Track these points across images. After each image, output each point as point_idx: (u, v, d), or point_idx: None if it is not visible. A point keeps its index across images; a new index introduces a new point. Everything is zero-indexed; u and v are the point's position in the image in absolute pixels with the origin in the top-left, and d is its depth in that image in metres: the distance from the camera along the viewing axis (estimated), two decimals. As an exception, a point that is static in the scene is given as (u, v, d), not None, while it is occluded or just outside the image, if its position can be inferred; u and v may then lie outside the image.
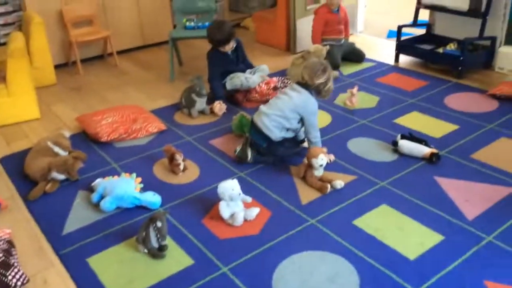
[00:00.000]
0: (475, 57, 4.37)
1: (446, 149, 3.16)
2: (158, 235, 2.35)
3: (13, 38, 3.97)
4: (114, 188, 2.72)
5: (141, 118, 3.63)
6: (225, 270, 2.28)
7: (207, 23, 4.71)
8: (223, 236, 2.49)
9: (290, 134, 3.08)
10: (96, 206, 2.76)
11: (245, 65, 4.13)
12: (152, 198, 2.73)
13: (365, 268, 2.24)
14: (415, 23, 4.81)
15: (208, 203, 2.75)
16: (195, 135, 3.56)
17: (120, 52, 5.33)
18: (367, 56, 4.80)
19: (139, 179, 2.87)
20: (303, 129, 3.09)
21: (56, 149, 3.16)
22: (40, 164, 2.97)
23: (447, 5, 4.44)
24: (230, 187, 2.56)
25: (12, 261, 2.24)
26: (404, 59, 4.75)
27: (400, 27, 4.68)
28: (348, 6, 5.05)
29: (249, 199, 2.66)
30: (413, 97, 3.95)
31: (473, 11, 4.25)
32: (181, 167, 3.05)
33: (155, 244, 2.37)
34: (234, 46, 3.98)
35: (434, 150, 3.05)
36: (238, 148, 3.14)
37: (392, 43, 4.93)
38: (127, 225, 2.61)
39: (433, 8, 4.62)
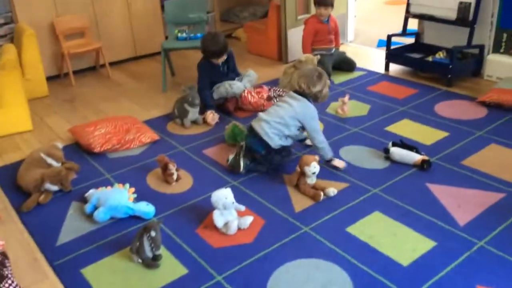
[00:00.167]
0: (464, 65, 4.43)
1: (437, 156, 3.19)
2: (152, 245, 2.35)
3: (5, 50, 3.98)
4: (108, 199, 2.72)
5: (134, 128, 3.64)
6: (220, 278, 2.28)
7: (199, 34, 4.75)
8: (217, 245, 2.50)
9: (288, 142, 3.11)
10: (89, 216, 2.75)
11: (235, 74, 4.16)
12: (146, 208, 2.74)
13: (359, 275, 2.25)
14: (404, 33, 4.87)
15: (202, 212, 2.76)
16: (188, 145, 3.57)
17: (112, 64, 5.35)
18: (358, 65, 4.85)
19: (133, 189, 2.87)
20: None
21: (49, 160, 3.16)
22: (33, 175, 2.97)
23: (435, 15, 4.51)
24: (223, 196, 2.57)
25: (6, 272, 2.23)
26: (394, 68, 4.80)
27: (389, 36, 4.74)
28: (338, 16, 5.11)
29: (242, 207, 2.68)
30: (404, 105, 3.99)
31: (461, 20, 4.31)
32: (175, 176, 3.06)
33: (149, 253, 2.37)
34: (225, 57, 4.01)
35: (425, 157, 3.08)
36: (231, 157, 3.16)
37: (382, 52, 4.99)
38: (121, 235, 2.61)
39: (421, 17, 4.69)
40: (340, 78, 4.65)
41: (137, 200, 2.83)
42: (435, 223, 2.57)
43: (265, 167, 3.10)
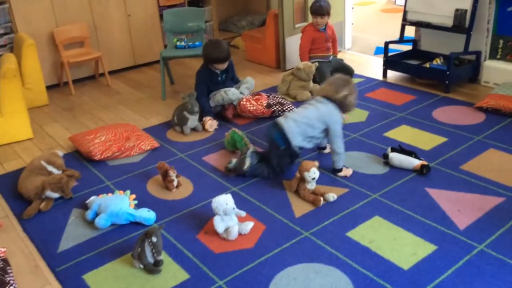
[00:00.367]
0: (461, 72, 4.47)
1: (436, 161, 3.21)
2: (154, 250, 2.36)
3: (5, 59, 4.00)
4: (109, 205, 2.73)
5: (134, 136, 3.66)
6: (221, 283, 2.29)
7: (197, 43, 4.79)
8: (218, 250, 2.51)
9: (309, 145, 3.18)
10: (91, 223, 2.76)
11: (233, 83, 4.18)
12: (147, 214, 2.75)
13: (360, 279, 2.26)
14: (401, 40, 4.92)
15: (203, 218, 2.77)
16: (188, 151, 3.59)
17: (111, 72, 5.39)
18: (356, 72, 4.88)
19: (133, 196, 2.89)
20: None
21: (50, 168, 3.17)
22: (34, 183, 2.98)
23: (432, 22, 4.56)
24: (224, 202, 2.58)
25: (8, 279, 2.24)
26: (392, 75, 4.84)
27: (387, 43, 4.78)
28: (335, 24, 5.15)
29: (243, 213, 2.69)
30: (402, 111, 4.02)
31: (458, 27, 4.36)
32: (175, 183, 3.08)
33: (150, 259, 2.38)
34: (227, 64, 4.04)
35: (424, 162, 3.10)
36: (234, 160, 3.19)
37: (380, 59, 5.03)
38: (122, 241, 2.62)
39: (418, 24, 4.73)
40: (338, 85, 4.67)
41: (137, 206, 2.85)
42: (435, 227, 2.58)
43: (268, 170, 3.13)
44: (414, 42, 4.96)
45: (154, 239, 2.35)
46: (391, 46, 4.82)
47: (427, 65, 4.59)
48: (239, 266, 2.39)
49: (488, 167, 3.11)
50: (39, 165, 3.16)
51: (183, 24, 4.93)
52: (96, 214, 2.77)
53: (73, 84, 4.98)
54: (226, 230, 2.59)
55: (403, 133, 3.63)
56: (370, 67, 5.19)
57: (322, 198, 2.84)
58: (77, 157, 3.60)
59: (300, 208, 2.83)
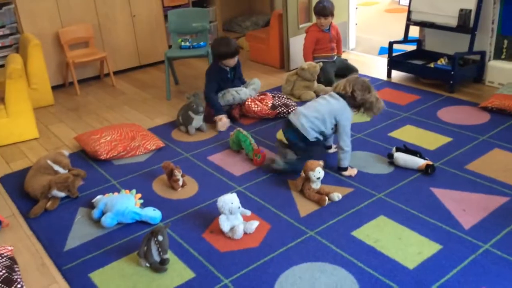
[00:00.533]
0: (466, 71, 4.47)
1: (440, 161, 3.22)
2: (160, 249, 2.37)
3: (11, 59, 4.02)
4: (115, 204, 2.75)
5: (139, 136, 3.68)
6: (227, 282, 2.30)
7: (202, 43, 4.81)
8: (224, 249, 2.52)
9: (321, 138, 3.21)
10: (97, 222, 2.78)
11: (240, 82, 4.19)
12: (152, 213, 2.76)
13: (365, 278, 2.27)
14: (405, 40, 4.92)
15: (208, 217, 2.79)
16: (193, 151, 3.60)
17: (116, 73, 5.41)
18: (360, 72, 4.88)
19: (139, 195, 2.90)
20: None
21: (56, 167, 3.19)
22: (40, 182, 3.00)
23: (436, 22, 4.56)
24: (229, 201, 2.59)
25: (15, 277, 2.26)
26: (396, 75, 4.84)
27: (391, 43, 4.78)
28: (339, 24, 5.16)
29: (248, 212, 2.70)
30: (407, 111, 4.02)
31: (462, 27, 4.36)
32: (180, 182, 3.09)
33: (156, 258, 2.39)
34: (236, 60, 4.06)
35: (429, 162, 3.10)
36: (279, 161, 3.17)
37: (384, 59, 5.03)
38: (128, 240, 2.64)
39: (422, 25, 4.73)
40: (342, 85, 4.68)
41: (143, 206, 2.86)
42: (440, 226, 2.59)
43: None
44: (419, 42, 4.96)
45: (160, 237, 2.37)
46: (395, 46, 4.82)
47: (432, 65, 4.59)
48: (244, 265, 2.40)
49: (493, 167, 3.11)
50: (45, 165, 3.18)
51: (188, 25, 4.95)
52: (102, 213, 2.79)
53: (78, 84, 5.01)
54: (232, 229, 2.60)
55: (408, 133, 3.63)
56: (374, 67, 5.20)
57: (327, 198, 2.85)
58: (83, 157, 3.62)
59: (305, 207, 2.84)
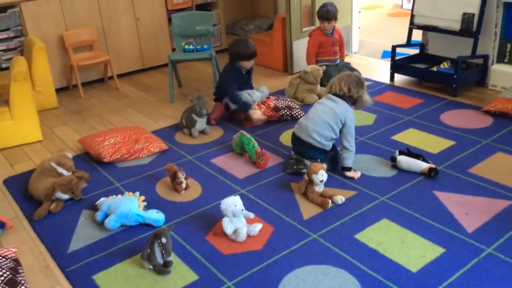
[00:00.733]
0: (469, 75, 4.47)
1: (443, 164, 3.22)
2: (163, 251, 2.38)
3: (15, 62, 4.04)
4: (118, 207, 2.76)
5: (142, 138, 3.69)
6: (230, 284, 2.30)
7: (205, 46, 4.83)
8: (227, 252, 2.53)
9: (333, 142, 3.30)
10: (100, 224, 2.79)
11: (249, 87, 4.21)
12: (156, 216, 2.77)
13: (368, 281, 2.27)
14: (408, 43, 4.92)
15: (211, 219, 2.79)
16: (196, 154, 3.61)
17: (120, 76, 5.43)
18: (363, 75, 4.87)
19: (143, 198, 2.91)
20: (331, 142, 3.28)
21: (60, 169, 3.20)
22: (44, 184, 3.01)
23: (439, 26, 4.56)
24: (233, 203, 2.60)
25: (19, 278, 2.27)
26: (399, 78, 4.85)
27: (394, 47, 4.79)
28: (342, 28, 5.17)
29: (251, 215, 2.70)
30: (409, 114, 4.03)
31: (465, 31, 4.36)
32: (184, 185, 3.10)
33: (160, 260, 2.40)
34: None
35: (432, 165, 3.10)
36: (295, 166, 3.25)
37: (387, 63, 5.04)
38: (131, 242, 2.64)
39: (425, 28, 4.74)
40: (345, 88, 4.68)
41: (147, 208, 2.87)
42: (443, 230, 2.59)
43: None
44: (422, 46, 4.97)
45: (163, 240, 2.37)
46: (398, 49, 4.83)
47: (435, 68, 4.60)
48: (247, 267, 2.40)
49: (496, 170, 3.11)
50: (49, 167, 3.19)
51: (191, 28, 4.97)
52: (106, 215, 2.79)
53: (82, 87, 5.03)
54: (235, 231, 2.60)
55: (411, 137, 3.64)
56: (377, 70, 5.20)
57: (330, 201, 2.85)
58: (87, 159, 3.63)
59: (308, 210, 2.84)
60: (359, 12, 6.03)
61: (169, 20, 5.48)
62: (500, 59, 4.41)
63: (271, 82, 5.04)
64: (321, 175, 2.88)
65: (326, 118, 3.14)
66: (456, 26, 4.42)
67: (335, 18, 4.67)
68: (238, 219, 2.62)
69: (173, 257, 2.46)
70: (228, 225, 2.59)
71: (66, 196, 3.00)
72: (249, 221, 2.69)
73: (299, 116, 3.99)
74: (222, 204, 2.61)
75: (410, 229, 2.61)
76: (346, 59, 5.17)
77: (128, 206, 2.76)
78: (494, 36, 4.37)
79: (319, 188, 2.92)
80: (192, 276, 2.37)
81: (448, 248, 2.45)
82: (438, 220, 2.66)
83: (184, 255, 2.52)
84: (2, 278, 2.21)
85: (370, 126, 3.87)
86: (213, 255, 2.50)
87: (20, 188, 3.27)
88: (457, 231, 2.57)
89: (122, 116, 4.47)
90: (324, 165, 2.95)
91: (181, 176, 3.08)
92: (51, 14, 4.93)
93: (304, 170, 3.15)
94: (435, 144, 3.50)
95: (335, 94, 3.20)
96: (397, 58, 4.84)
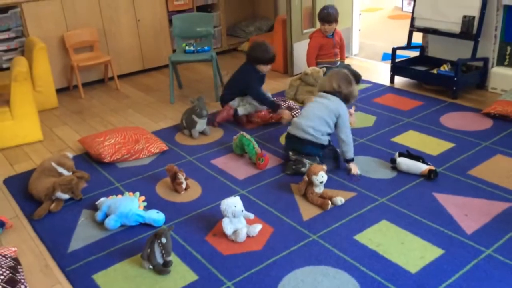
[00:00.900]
0: (469, 78, 4.48)
1: (443, 166, 3.22)
2: (163, 251, 2.38)
3: (16, 62, 4.05)
4: (119, 207, 2.76)
5: (143, 139, 3.69)
6: (229, 284, 2.31)
7: (206, 47, 4.83)
8: (227, 252, 2.53)
9: (330, 138, 3.33)
10: (100, 224, 2.79)
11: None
12: (156, 216, 2.77)
13: (368, 282, 2.27)
14: (409, 46, 4.94)
15: (211, 220, 2.80)
16: (197, 155, 3.62)
17: (121, 76, 5.44)
18: (363, 77, 4.90)
19: (143, 198, 2.92)
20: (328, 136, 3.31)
21: (60, 169, 3.21)
22: (44, 184, 3.01)
23: (439, 28, 4.57)
24: (232, 204, 2.60)
25: (19, 277, 2.27)
26: (399, 80, 4.86)
27: (394, 49, 4.80)
28: (343, 30, 5.18)
29: (251, 215, 2.71)
30: (409, 116, 4.04)
31: (465, 34, 4.37)
32: (184, 185, 3.10)
33: (160, 260, 2.40)
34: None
35: (432, 167, 3.11)
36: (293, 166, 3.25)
37: (387, 65, 5.05)
38: (131, 242, 2.65)
39: (426, 31, 4.75)
40: (345, 90, 4.69)
41: (147, 208, 2.87)
42: (442, 231, 2.59)
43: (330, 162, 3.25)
44: (422, 48, 4.98)
45: (163, 240, 2.38)
46: (398, 52, 4.84)
47: (435, 71, 4.61)
48: (247, 268, 2.41)
49: (495, 172, 3.12)
50: (49, 167, 3.19)
51: (192, 29, 4.97)
52: (106, 215, 2.80)
53: (82, 88, 5.03)
54: (235, 232, 2.61)
55: (411, 139, 3.64)
56: (378, 73, 5.21)
57: (330, 202, 2.86)
58: (87, 159, 3.63)
59: (308, 211, 2.84)
60: (360, 14, 6.04)
61: (170, 21, 5.50)
62: (500, 62, 4.42)
63: (271, 83, 5.04)
64: (321, 177, 2.89)
65: (321, 114, 3.20)
66: (456, 28, 4.43)
67: (336, 21, 4.68)
68: (238, 220, 2.62)
69: (173, 257, 2.46)
70: (228, 226, 2.60)
71: (66, 196, 3.00)
72: (249, 222, 2.69)
73: (299, 117, 4.00)
74: (222, 204, 2.61)
75: (409, 231, 2.61)
76: (347, 61, 5.19)
77: (128, 206, 2.76)
78: (494, 39, 4.38)
79: (319, 189, 2.93)
80: (192, 276, 2.37)
81: (447, 250, 2.45)
82: (437, 222, 2.67)
83: (184, 255, 2.52)
84: (2, 277, 2.21)
85: (370, 128, 3.88)
86: (213, 256, 2.51)
87: (20, 187, 3.27)
88: (457, 232, 2.58)
89: (122, 116, 4.48)
90: (324, 167, 2.96)
91: (181, 176, 3.09)
92: (52, 15, 4.93)
93: (304, 169, 3.16)
94: (434, 146, 3.51)
95: (326, 92, 3.27)
96: (397, 60, 4.84)
